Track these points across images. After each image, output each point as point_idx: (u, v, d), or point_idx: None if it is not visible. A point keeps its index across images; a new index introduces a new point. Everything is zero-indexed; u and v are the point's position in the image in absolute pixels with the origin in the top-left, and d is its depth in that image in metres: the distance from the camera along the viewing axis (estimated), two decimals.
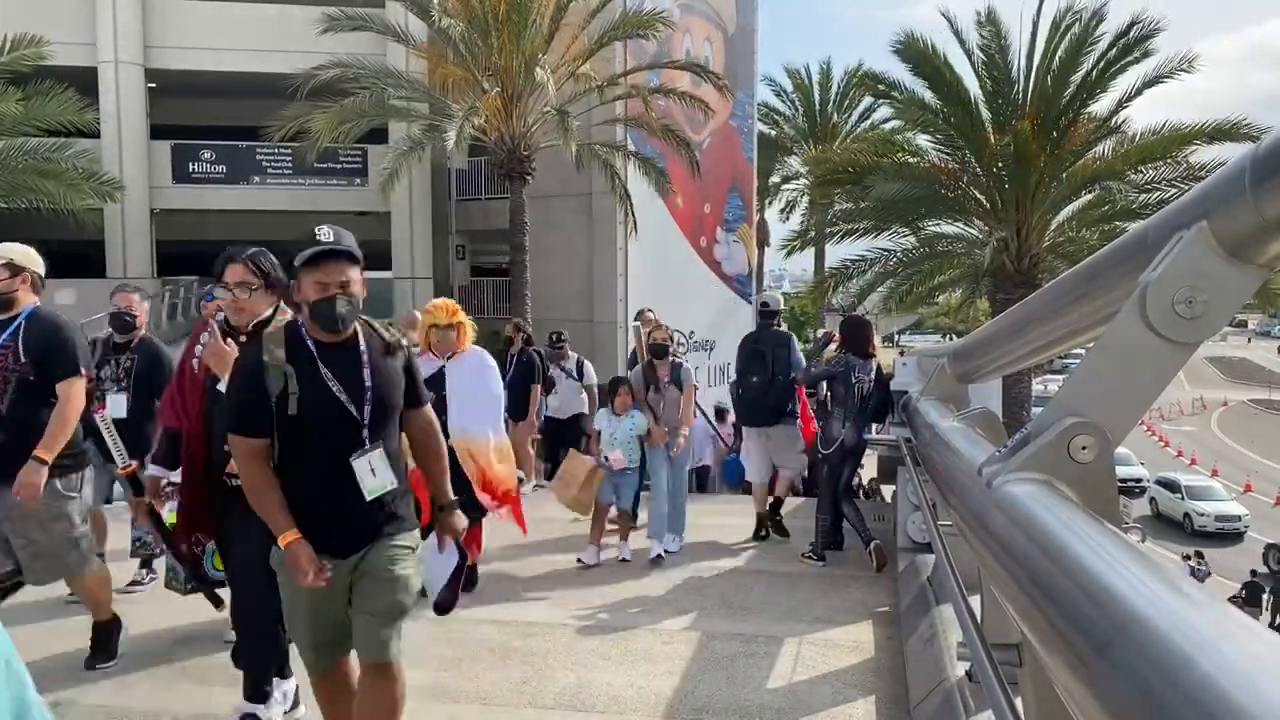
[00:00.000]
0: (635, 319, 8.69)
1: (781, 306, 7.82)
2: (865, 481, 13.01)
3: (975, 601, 2.95)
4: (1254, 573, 23.41)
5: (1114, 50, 14.67)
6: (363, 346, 3.01)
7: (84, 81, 18.28)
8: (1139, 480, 34.89)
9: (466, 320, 5.59)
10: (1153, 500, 33.55)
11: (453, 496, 3.31)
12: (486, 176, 22.92)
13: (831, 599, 5.74)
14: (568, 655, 4.72)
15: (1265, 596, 21.95)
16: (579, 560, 6.48)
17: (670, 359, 6.86)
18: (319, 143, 16.14)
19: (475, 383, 5.47)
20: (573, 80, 17.19)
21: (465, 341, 5.55)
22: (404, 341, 3.16)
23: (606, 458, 6.58)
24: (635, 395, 6.78)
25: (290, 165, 22.33)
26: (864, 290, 17.42)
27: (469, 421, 5.32)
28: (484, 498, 5.40)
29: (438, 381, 5.18)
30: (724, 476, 9.66)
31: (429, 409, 3.27)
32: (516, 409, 8.74)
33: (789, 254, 35.55)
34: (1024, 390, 15.36)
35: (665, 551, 6.56)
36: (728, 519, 7.97)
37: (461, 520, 3.32)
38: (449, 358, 5.51)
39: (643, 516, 6.91)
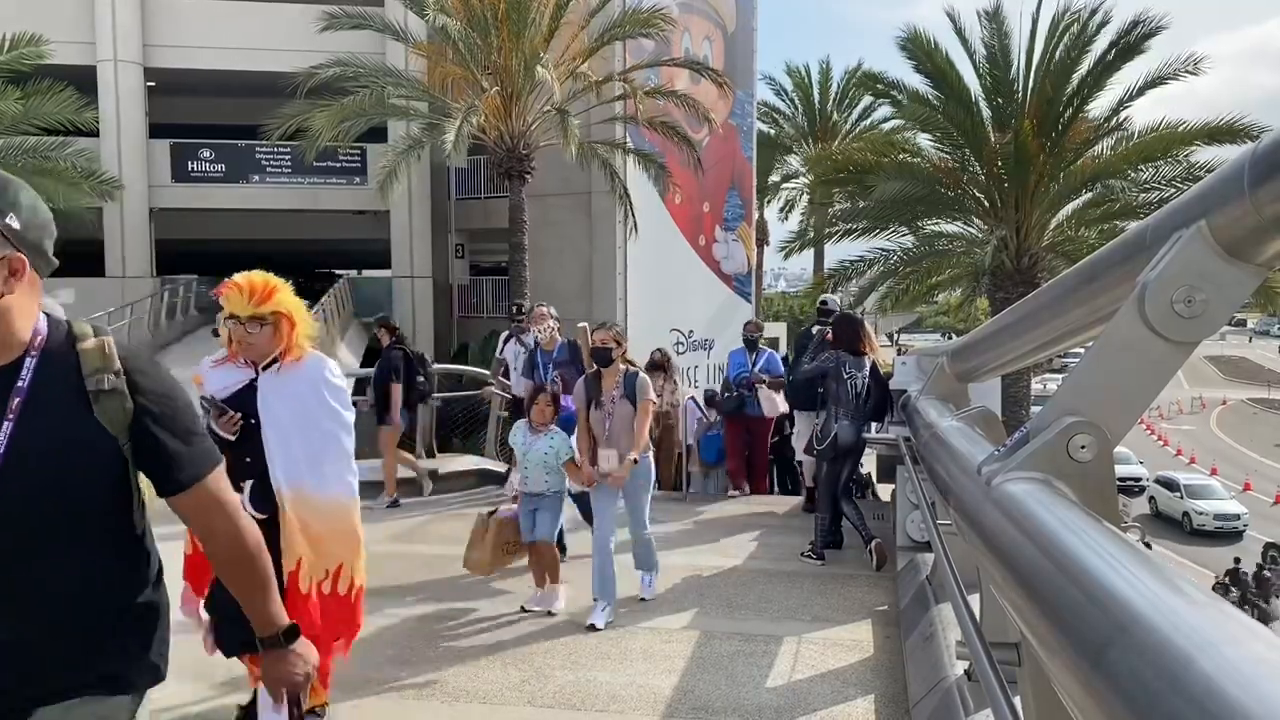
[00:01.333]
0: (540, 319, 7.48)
1: (838, 306, 8.50)
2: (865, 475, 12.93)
3: (974, 600, 2.95)
4: (1237, 560, 24.28)
5: (1114, 50, 14.66)
6: (24, 372, 1.64)
7: (83, 80, 18.26)
8: (1138, 479, 34.92)
9: (294, 307, 3.36)
10: (1152, 499, 33.57)
11: (281, 623, 1.93)
12: (486, 175, 22.93)
13: (831, 598, 5.74)
14: (567, 654, 4.72)
15: (1246, 580, 22.83)
16: (522, 608, 5.39)
17: (624, 367, 5.49)
18: (318, 141, 16.13)
19: (301, 409, 3.32)
20: (572, 79, 17.19)
21: (293, 342, 3.35)
22: (117, 368, 1.68)
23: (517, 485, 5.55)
24: (579, 414, 5.55)
25: (289, 164, 22.33)
26: (864, 289, 17.43)
27: (303, 472, 3.29)
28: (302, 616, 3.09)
29: (247, 402, 3.34)
30: (701, 453, 9.61)
31: (210, 485, 1.80)
32: (381, 413, 8.25)
33: (788, 255, 35.57)
34: (1023, 389, 15.36)
35: (596, 625, 5.09)
36: (729, 518, 7.97)
37: (296, 662, 1.94)
38: (265, 368, 3.37)
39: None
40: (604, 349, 5.43)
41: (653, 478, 5.57)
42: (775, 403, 8.82)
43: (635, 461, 5.24)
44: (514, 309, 9.60)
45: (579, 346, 7.16)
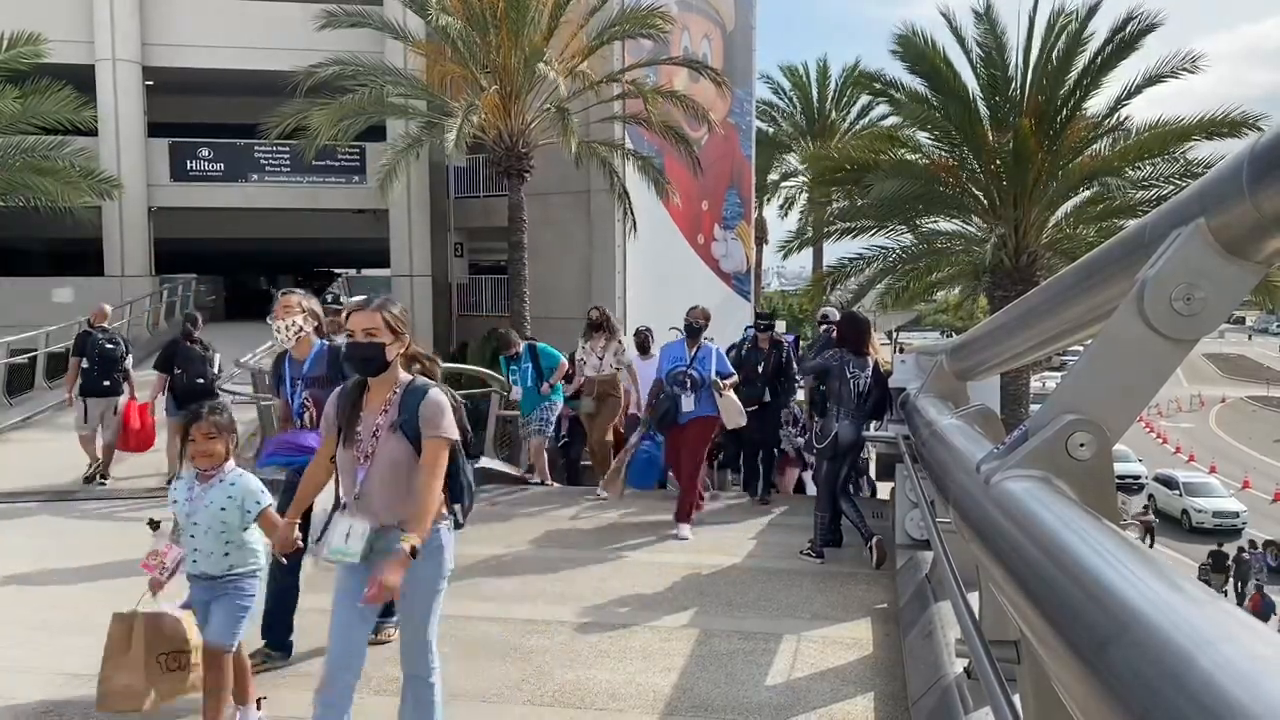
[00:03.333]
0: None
1: (836, 318, 8.13)
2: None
3: (974, 598, 2.95)
4: (1220, 543, 25.13)
5: (1110, 45, 14.67)
6: None
7: (81, 79, 18.26)
8: (1137, 477, 34.93)
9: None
10: (1151, 497, 33.59)
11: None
12: (485, 174, 22.94)
13: (830, 596, 5.74)
14: (566, 653, 4.72)
15: (1229, 564, 23.77)
16: None
17: (409, 377, 3.23)
18: (317, 140, 16.13)
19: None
20: (571, 78, 17.19)
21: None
22: None
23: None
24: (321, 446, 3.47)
25: (288, 163, 22.32)
26: (862, 288, 17.43)
27: None
28: None
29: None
30: (631, 475, 8.20)
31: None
32: None
33: (786, 255, 35.59)
34: (1022, 387, 15.37)
35: None
36: (729, 515, 7.97)
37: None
38: None
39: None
40: (364, 344, 3.12)
41: (445, 571, 3.21)
42: (738, 411, 7.31)
43: (413, 553, 2.94)
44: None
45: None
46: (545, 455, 9.30)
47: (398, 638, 3.35)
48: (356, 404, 3.19)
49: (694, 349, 7.32)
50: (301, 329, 4.64)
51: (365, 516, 3.10)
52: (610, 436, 9.33)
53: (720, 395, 7.17)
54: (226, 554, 3.55)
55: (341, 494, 3.29)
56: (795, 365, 8.52)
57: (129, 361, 9.74)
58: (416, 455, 3.09)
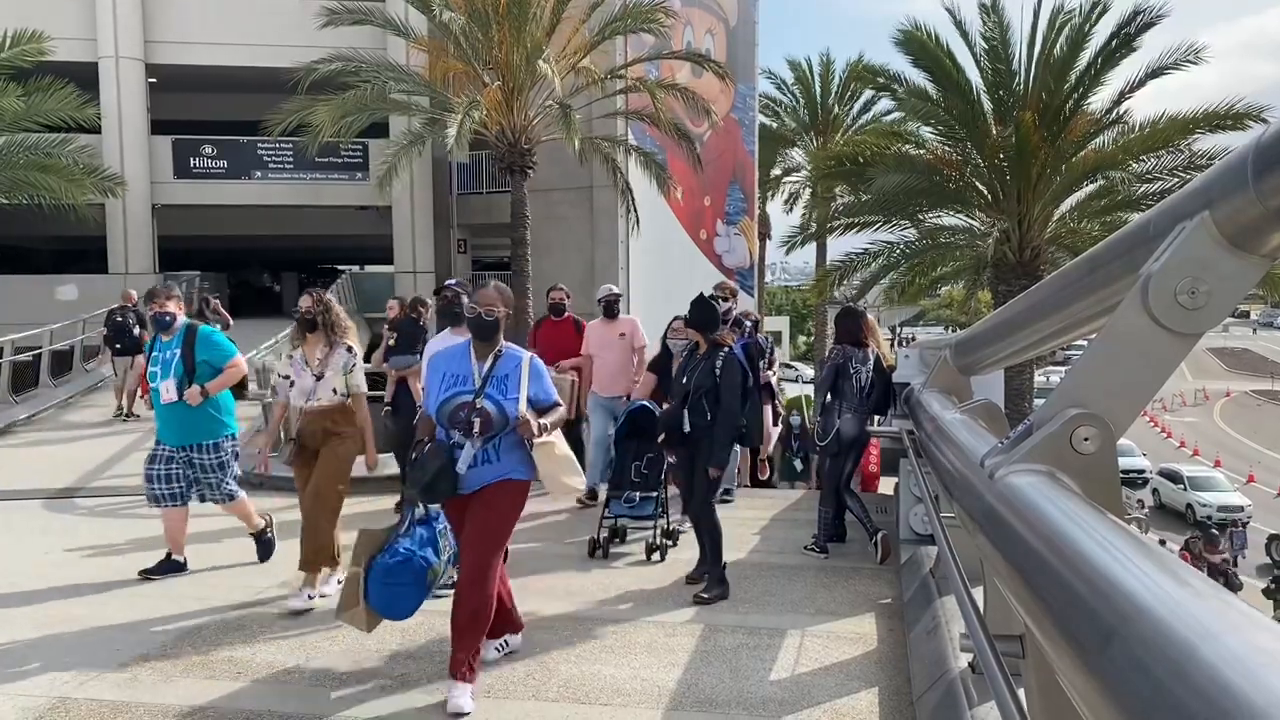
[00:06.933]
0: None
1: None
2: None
3: (978, 593, 2.95)
4: (1202, 524, 25.34)
5: (1114, 40, 14.63)
6: None
7: (85, 77, 18.28)
8: (1141, 471, 34.89)
9: None
10: (1155, 491, 33.55)
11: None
12: (487, 170, 22.93)
13: (834, 591, 5.74)
14: (571, 648, 4.73)
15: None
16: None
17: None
18: (320, 136, 16.12)
19: None
20: (574, 74, 17.17)
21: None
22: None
23: None
24: None
25: (291, 160, 22.34)
26: (866, 283, 17.40)
27: None
28: None
29: None
30: (372, 598, 5.93)
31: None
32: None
33: (789, 250, 35.54)
34: (1026, 382, 15.34)
35: None
36: (732, 511, 7.97)
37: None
38: None
39: None
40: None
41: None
42: (570, 469, 4.33)
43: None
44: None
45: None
46: None
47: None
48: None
49: (488, 358, 4.17)
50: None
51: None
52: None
53: (533, 442, 4.09)
54: None
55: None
56: (753, 375, 6.06)
57: (136, 331, 13.05)
58: None
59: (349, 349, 5.59)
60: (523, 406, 4.08)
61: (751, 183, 28.03)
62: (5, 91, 15.36)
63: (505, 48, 16.40)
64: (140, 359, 12.46)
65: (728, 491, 8.27)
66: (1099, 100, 15.31)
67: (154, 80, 22.02)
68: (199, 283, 23.82)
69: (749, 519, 7.69)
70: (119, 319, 13.33)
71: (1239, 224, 1.85)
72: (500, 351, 4.19)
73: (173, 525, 6.05)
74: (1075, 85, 14.98)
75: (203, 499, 6.06)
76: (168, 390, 5.81)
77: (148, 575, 5.93)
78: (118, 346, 13.14)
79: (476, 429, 4.00)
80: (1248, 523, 29.25)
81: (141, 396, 13.05)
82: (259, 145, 22.10)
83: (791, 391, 28.84)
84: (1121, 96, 15.06)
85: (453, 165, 23.31)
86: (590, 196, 22.07)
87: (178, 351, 5.90)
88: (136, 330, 13.04)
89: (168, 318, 5.92)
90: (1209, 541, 20.24)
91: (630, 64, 18.37)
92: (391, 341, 8.20)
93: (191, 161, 22.57)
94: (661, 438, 5.92)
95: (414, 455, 4.21)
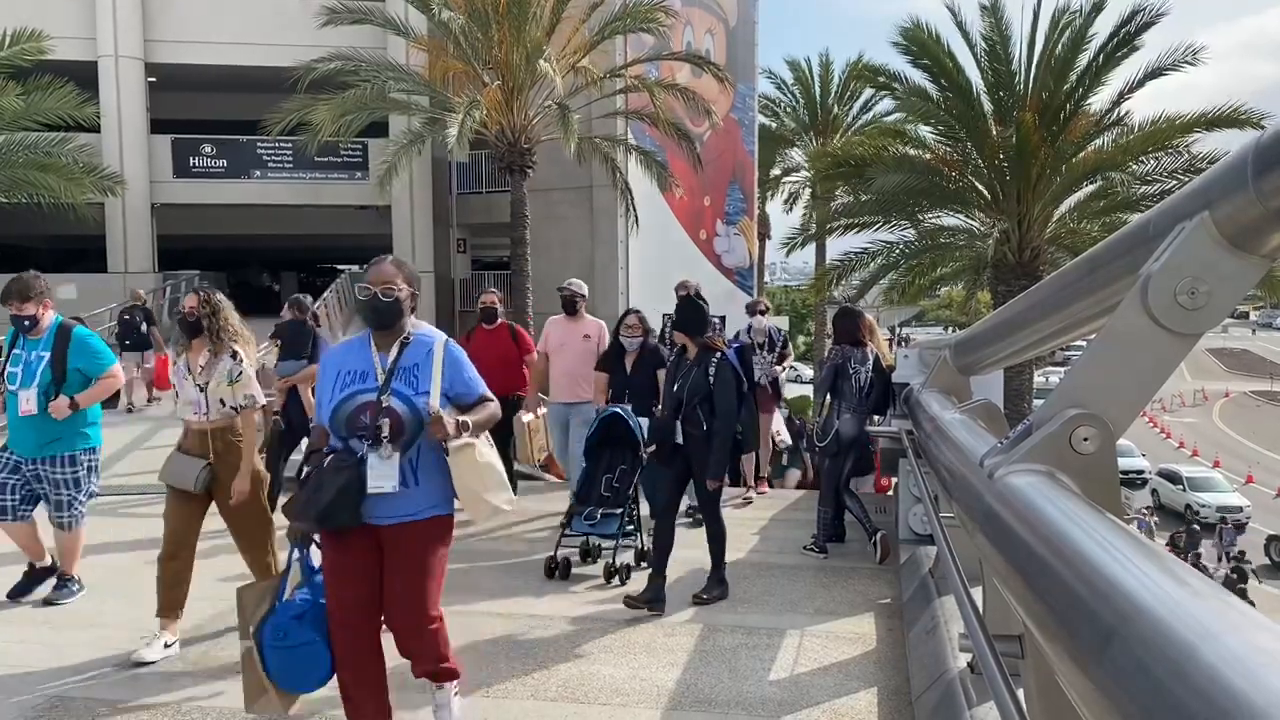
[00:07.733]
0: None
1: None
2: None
3: (977, 593, 2.95)
4: (1190, 515, 27.34)
5: (1114, 40, 14.63)
6: None
7: (84, 76, 18.26)
8: (1141, 472, 34.91)
9: None
10: (1154, 492, 33.57)
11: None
12: (487, 170, 22.93)
13: (833, 591, 5.74)
14: (570, 647, 4.73)
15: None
16: None
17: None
18: (319, 135, 16.12)
19: None
20: (573, 73, 17.17)
21: None
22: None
23: None
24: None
25: (291, 159, 22.33)
26: (866, 283, 17.40)
27: None
28: None
29: None
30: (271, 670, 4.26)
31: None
32: None
33: (789, 250, 35.53)
34: (1026, 382, 15.34)
35: None
36: (730, 511, 7.97)
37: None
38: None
39: None
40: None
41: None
42: (497, 483, 3.62)
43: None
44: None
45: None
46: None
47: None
48: None
49: (391, 348, 3.37)
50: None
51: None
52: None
53: (446, 447, 3.26)
54: None
55: None
56: (744, 382, 5.55)
57: (145, 328, 13.73)
58: None
59: (234, 355, 4.72)
60: (434, 401, 3.23)
61: (751, 183, 28.03)
62: (5, 90, 15.35)
63: (505, 47, 16.40)
64: (150, 354, 13.64)
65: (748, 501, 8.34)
66: (1099, 101, 15.33)
67: (154, 79, 22.00)
68: (198, 282, 23.80)
69: (748, 519, 7.69)
70: (127, 317, 13.86)
71: (1239, 224, 1.85)
72: (408, 338, 3.36)
73: (16, 539, 5.35)
74: (1075, 85, 14.98)
75: (50, 519, 5.32)
76: (27, 401, 5.11)
77: (15, 599, 5.36)
78: (127, 343, 13.51)
79: (385, 433, 3.16)
80: (1245, 523, 29.29)
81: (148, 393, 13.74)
82: (258, 144, 22.07)
83: (791, 391, 28.84)
84: (1121, 97, 15.07)
85: (452, 165, 23.30)
86: (590, 196, 22.07)
87: (46, 355, 5.20)
88: (144, 327, 13.72)
89: (27, 321, 5.22)
90: (1189, 536, 20.92)
91: (630, 64, 18.37)
92: (277, 345, 7.57)
93: (191, 161, 22.55)
94: (652, 449, 5.53)
95: (305, 471, 3.34)
